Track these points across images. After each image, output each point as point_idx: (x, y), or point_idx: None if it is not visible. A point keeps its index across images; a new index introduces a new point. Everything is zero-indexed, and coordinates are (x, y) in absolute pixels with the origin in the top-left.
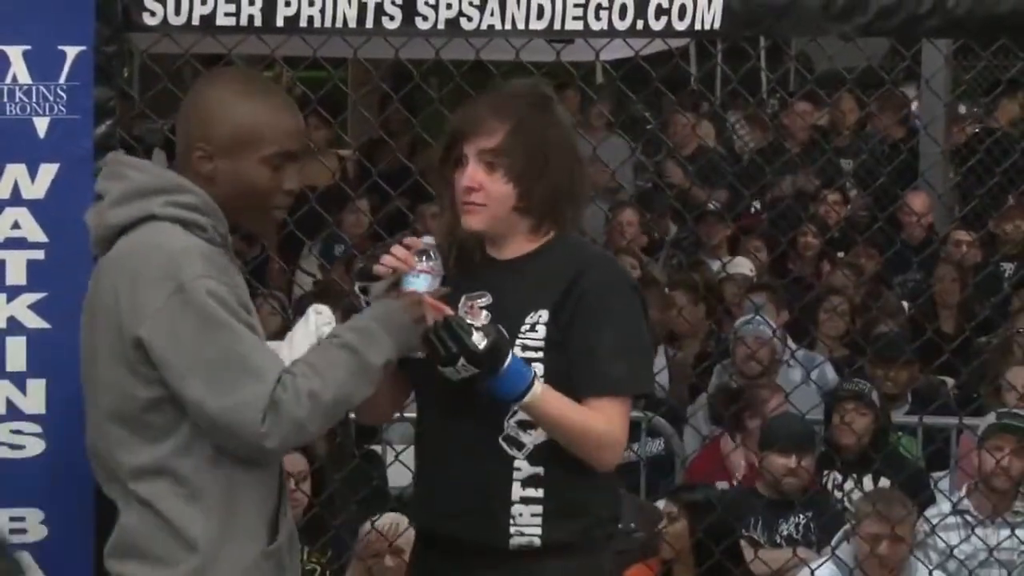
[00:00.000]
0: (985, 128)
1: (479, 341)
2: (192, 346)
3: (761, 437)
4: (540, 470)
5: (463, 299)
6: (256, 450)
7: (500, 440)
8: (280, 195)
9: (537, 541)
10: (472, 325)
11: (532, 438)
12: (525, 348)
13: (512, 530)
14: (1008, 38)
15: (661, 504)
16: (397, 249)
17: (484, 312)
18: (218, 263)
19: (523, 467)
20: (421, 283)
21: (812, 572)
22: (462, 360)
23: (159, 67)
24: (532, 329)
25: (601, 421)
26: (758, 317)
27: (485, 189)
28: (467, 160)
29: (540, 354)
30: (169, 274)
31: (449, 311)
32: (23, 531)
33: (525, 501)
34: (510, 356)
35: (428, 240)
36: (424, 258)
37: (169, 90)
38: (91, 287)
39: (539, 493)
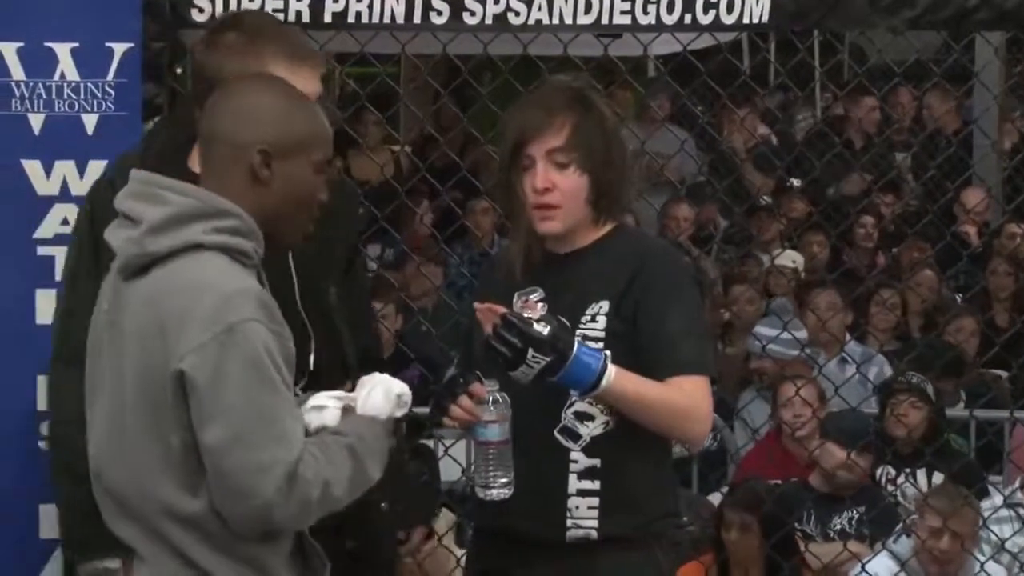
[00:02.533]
0: None
1: (542, 329)
2: (231, 389)
3: (820, 429)
4: (597, 462)
5: (516, 296)
6: (259, 518)
7: (556, 433)
8: (316, 205)
9: (594, 534)
10: (531, 318)
11: (588, 430)
12: (585, 339)
13: (569, 523)
14: None
15: (716, 501)
16: (464, 401)
17: (540, 304)
18: (270, 307)
19: (580, 459)
20: (492, 433)
21: (863, 567)
22: (531, 352)
23: None
24: (592, 320)
25: (681, 396)
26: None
27: (559, 188)
28: (533, 162)
29: (600, 344)
30: (221, 314)
31: (503, 310)
32: None
33: (582, 493)
34: (576, 343)
35: (492, 386)
36: (492, 406)
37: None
38: (117, 306)
39: (595, 485)
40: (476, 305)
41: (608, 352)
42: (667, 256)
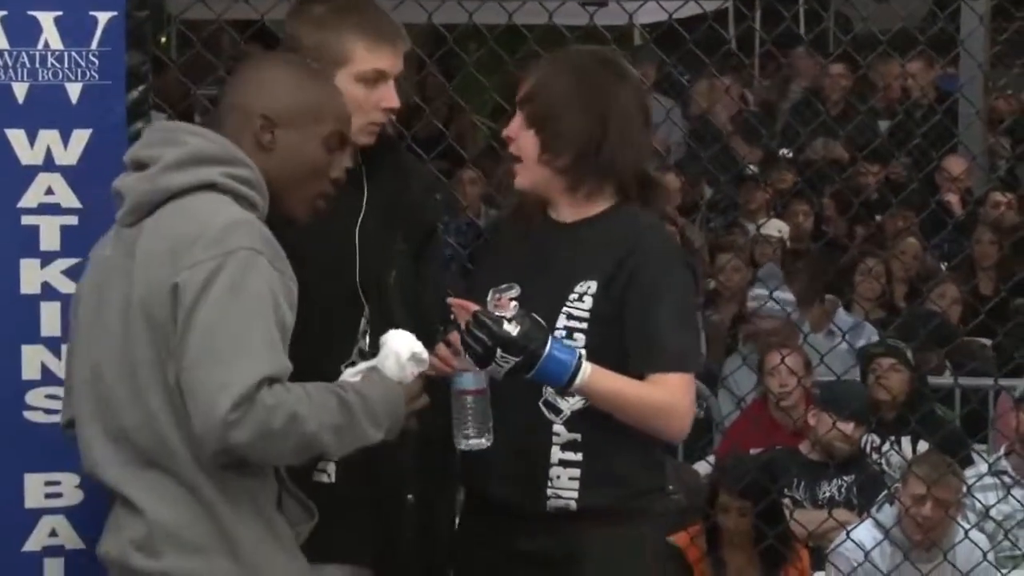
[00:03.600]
0: None
1: (512, 329)
2: (212, 305)
3: (821, 398)
4: (578, 436)
5: (491, 293)
6: (217, 437)
7: (540, 404)
8: (327, 181)
9: (573, 505)
10: (502, 316)
11: (569, 404)
12: (570, 317)
13: (549, 492)
14: None
15: (701, 469)
16: (441, 350)
17: (513, 303)
18: (275, 246)
19: (562, 432)
20: (467, 381)
21: (848, 533)
22: (499, 351)
23: (194, 33)
24: (580, 299)
25: (661, 393)
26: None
27: (517, 140)
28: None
29: (585, 325)
30: (225, 238)
31: (476, 307)
32: (58, 495)
33: (564, 464)
34: (549, 342)
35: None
36: (468, 357)
37: (205, 56)
38: (123, 249)
39: (578, 457)
40: (450, 300)
41: (583, 351)
42: (658, 242)
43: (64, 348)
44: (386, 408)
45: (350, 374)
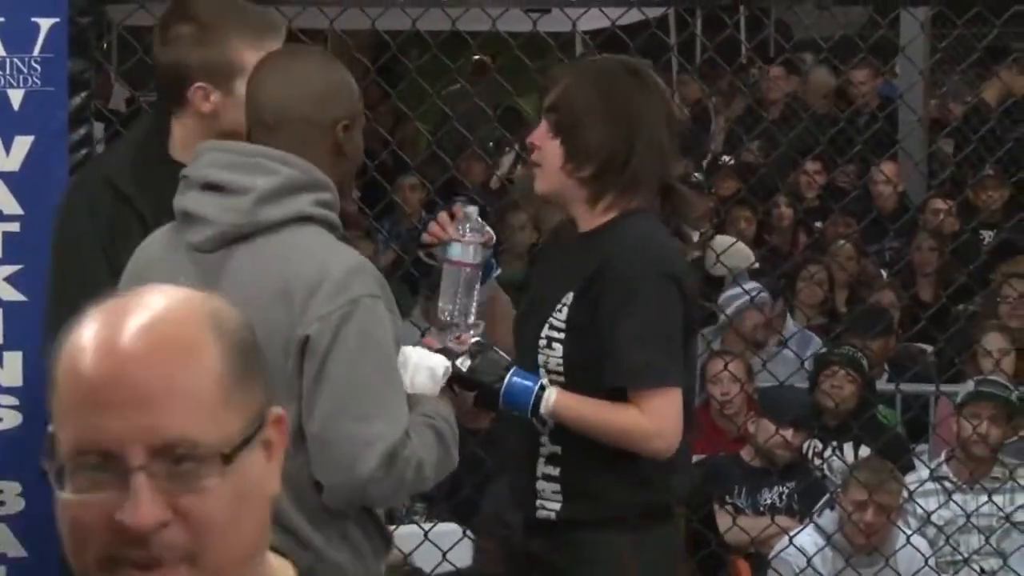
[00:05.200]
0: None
1: (462, 365)
2: (346, 360)
3: (761, 405)
4: (558, 449)
5: (451, 331)
6: (355, 491)
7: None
8: None
9: (553, 516)
10: (455, 351)
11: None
12: (551, 327)
13: (537, 503)
14: (982, 5)
15: None
16: (442, 217)
17: (474, 339)
18: (386, 286)
19: (546, 444)
20: (454, 252)
21: (790, 539)
22: (456, 386)
23: (136, 40)
24: (559, 310)
25: (628, 416)
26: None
27: (542, 147)
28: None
29: (562, 335)
30: (347, 286)
31: (436, 345)
32: (0, 503)
33: (546, 478)
34: (509, 373)
35: (470, 209)
36: (464, 227)
37: (146, 62)
38: (207, 279)
39: (556, 472)
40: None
41: (545, 381)
42: (634, 253)
43: (6, 355)
44: (455, 429)
45: None
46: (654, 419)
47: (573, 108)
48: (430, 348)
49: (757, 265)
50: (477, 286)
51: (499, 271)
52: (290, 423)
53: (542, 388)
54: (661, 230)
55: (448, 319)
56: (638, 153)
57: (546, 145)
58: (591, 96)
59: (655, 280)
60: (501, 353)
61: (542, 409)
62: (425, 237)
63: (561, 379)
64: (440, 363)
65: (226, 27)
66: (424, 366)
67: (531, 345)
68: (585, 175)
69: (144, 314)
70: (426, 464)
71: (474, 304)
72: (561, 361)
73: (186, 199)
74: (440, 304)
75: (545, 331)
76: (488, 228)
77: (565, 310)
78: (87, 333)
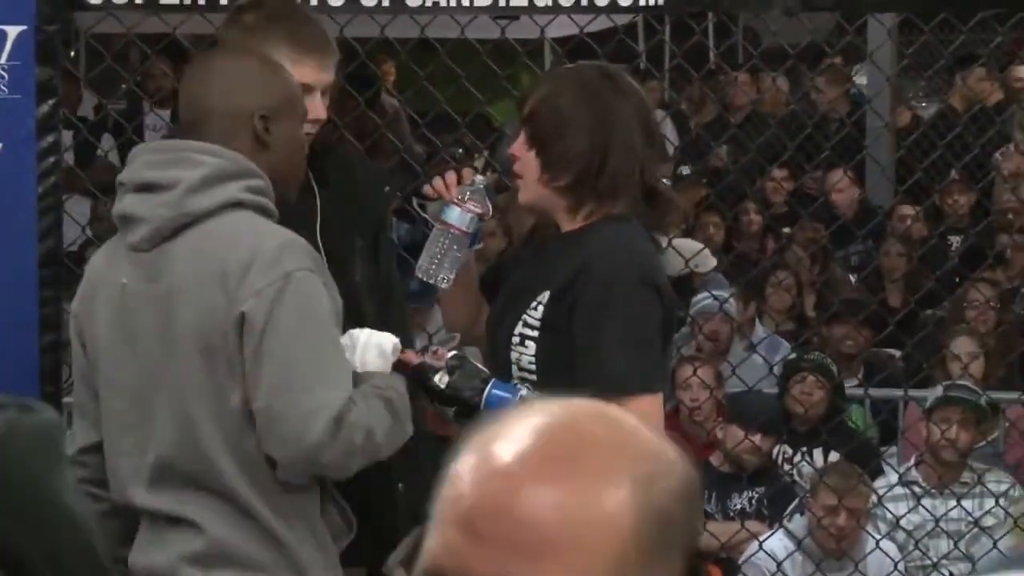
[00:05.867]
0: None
1: (440, 381)
2: (284, 333)
3: (729, 411)
4: None
5: (430, 347)
6: (307, 460)
7: None
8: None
9: None
10: (433, 367)
11: None
12: (525, 324)
13: None
14: (949, 12)
15: None
16: (449, 175)
17: (451, 353)
18: (319, 260)
19: None
20: (451, 215)
21: (760, 544)
22: (435, 402)
23: (104, 47)
24: (535, 308)
25: None
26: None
27: (520, 158)
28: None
29: (535, 333)
30: (279, 261)
31: (414, 362)
32: None
33: None
34: (489, 386)
35: (479, 179)
36: (468, 193)
37: (114, 70)
38: (147, 275)
39: None
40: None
41: (524, 391)
42: (614, 257)
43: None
44: (407, 401)
45: None
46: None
47: (547, 119)
48: (408, 363)
49: (714, 264)
50: (459, 255)
51: (480, 244)
52: (236, 407)
53: (522, 399)
54: (641, 237)
55: (422, 277)
56: (613, 159)
57: (524, 157)
58: (564, 105)
59: (635, 286)
60: (479, 366)
61: None
62: (426, 189)
63: (533, 377)
64: (388, 340)
65: (277, 30)
66: (373, 344)
67: (504, 342)
68: (562, 184)
69: (552, 440)
70: (376, 430)
71: (451, 272)
72: (533, 359)
73: (123, 203)
74: (420, 262)
75: (519, 328)
76: (489, 203)
77: (540, 308)
78: (487, 443)
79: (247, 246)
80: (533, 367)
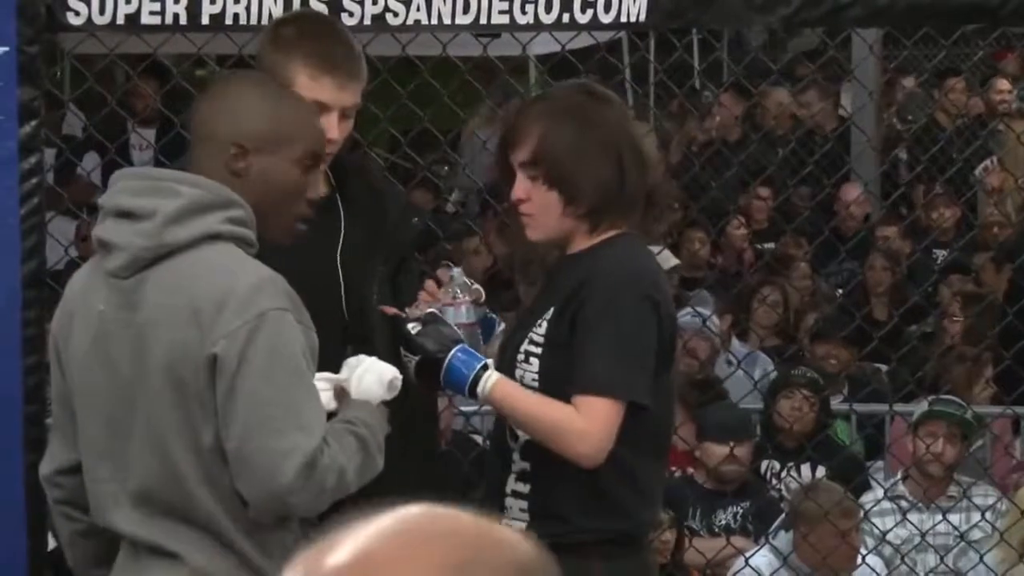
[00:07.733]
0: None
1: (412, 329)
2: (257, 374)
3: (697, 427)
4: (527, 465)
5: (454, 293)
6: (277, 502)
7: (507, 429)
8: (304, 203)
9: None
10: (408, 316)
11: (523, 433)
12: (531, 342)
13: (503, 521)
14: (931, 26)
15: None
16: (429, 284)
17: (425, 306)
18: (295, 298)
19: (517, 460)
20: (450, 316)
21: (746, 560)
22: (402, 348)
23: (87, 67)
24: (539, 325)
25: (568, 415)
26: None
27: (532, 199)
28: (515, 172)
29: (539, 349)
30: (253, 301)
31: (392, 312)
32: None
33: (515, 495)
34: (456, 349)
35: (455, 272)
36: (456, 290)
37: (97, 90)
38: (123, 304)
39: (526, 489)
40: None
41: (489, 361)
42: (613, 274)
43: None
44: (382, 436)
45: (317, 377)
46: (588, 422)
47: (559, 157)
48: (385, 312)
49: (676, 263)
50: (480, 339)
51: (503, 326)
52: (208, 444)
53: (484, 368)
54: (645, 254)
55: (471, 375)
56: (629, 169)
57: (537, 198)
58: (568, 138)
59: (635, 301)
60: (455, 330)
61: (479, 390)
62: (413, 312)
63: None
64: (389, 371)
65: (303, 46)
66: (374, 370)
67: (511, 362)
68: (584, 211)
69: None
70: (348, 470)
71: (485, 352)
72: (536, 375)
73: (102, 228)
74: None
75: (524, 345)
76: (476, 286)
77: (545, 324)
78: (313, 555)
79: (221, 284)
80: (536, 384)
